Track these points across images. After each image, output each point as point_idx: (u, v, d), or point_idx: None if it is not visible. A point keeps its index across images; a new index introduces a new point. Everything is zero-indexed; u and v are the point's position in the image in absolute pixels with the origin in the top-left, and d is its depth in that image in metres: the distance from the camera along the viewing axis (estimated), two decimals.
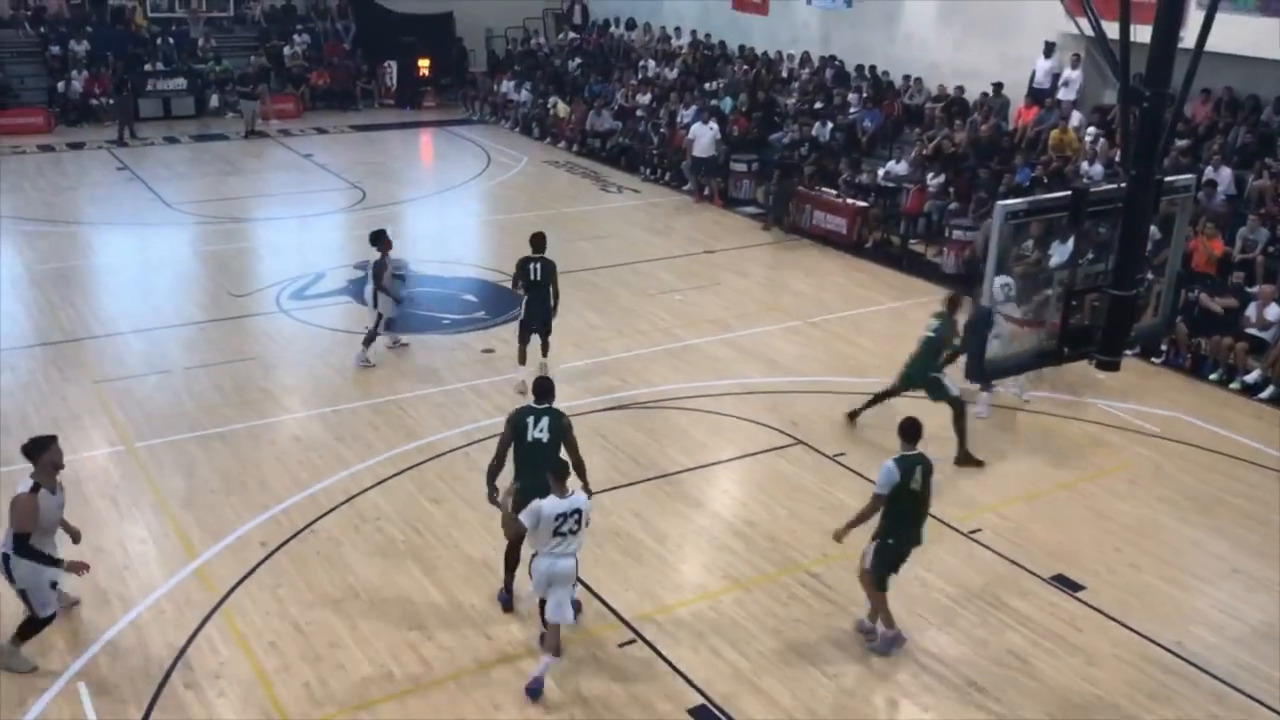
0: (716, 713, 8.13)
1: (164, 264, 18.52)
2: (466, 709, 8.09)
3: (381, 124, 30.90)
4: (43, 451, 8.14)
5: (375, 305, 13.96)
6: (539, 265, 12.96)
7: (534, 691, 8.16)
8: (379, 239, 13.92)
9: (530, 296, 13.07)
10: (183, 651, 8.62)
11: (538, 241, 13.05)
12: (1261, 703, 8.43)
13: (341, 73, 32.84)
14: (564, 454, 8.60)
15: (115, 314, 15.96)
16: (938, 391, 11.77)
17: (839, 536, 8.73)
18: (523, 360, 13.31)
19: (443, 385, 13.61)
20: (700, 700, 8.25)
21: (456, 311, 16.39)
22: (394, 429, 12.41)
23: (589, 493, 8.44)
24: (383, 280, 13.76)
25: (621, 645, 8.86)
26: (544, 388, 8.90)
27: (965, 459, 11.81)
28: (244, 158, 26.64)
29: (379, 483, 11.24)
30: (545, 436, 8.64)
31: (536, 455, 8.51)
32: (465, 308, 16.58)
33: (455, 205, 23.15)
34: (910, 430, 8.51)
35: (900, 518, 8.49)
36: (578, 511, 8.01)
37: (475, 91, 32.90)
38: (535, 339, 13.34)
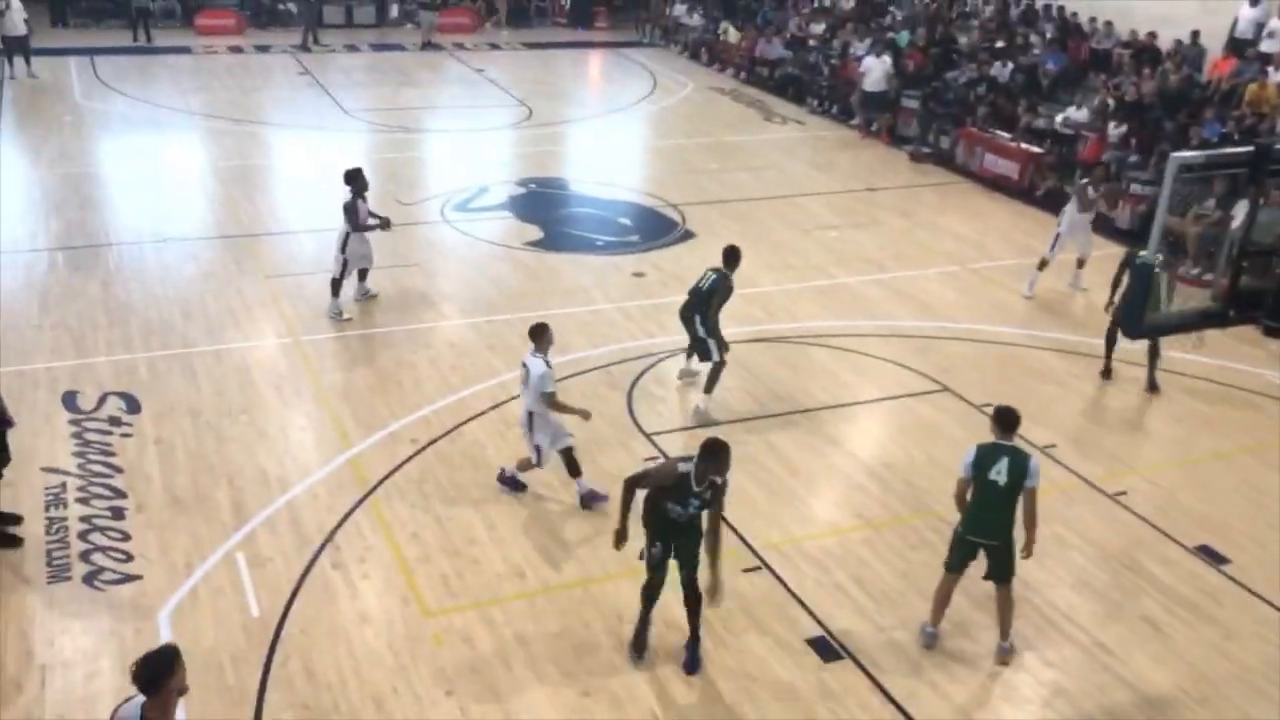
0: (835, 645, 8.22)
1: (338, 168, 19.09)
2: (590, 615, 8.38)
3: (553, 42, 31.16)
4: (168, 677, 5.14)
5: (343, 250, 13.00)
6: (711, 276, 11.23)
7: (512, 481, 9.81)
8: (356, 178, 12.94)
9: (685, 303, 11.38)
10: (332, 534, 9.17)
11: (726, 255, 11.30)
12: None
13: None
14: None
15: (290, 213, 16.75)
16: None
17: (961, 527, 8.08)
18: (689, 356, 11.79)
19: (592, 305, 13.86)
20: (820, 632, 8.35)
21: (611, 233, 16.59)
22: None
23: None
24: (360, 220, 12.88)
25: (746, 571, 9.01)
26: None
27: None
28: (419, 69, 27.29)
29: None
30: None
31: None
32: (620, 230, 16.76)
33: (618, 128, 23.28)
34: (1004, 419, 7.88)
35: (975, 507, 7.88)
36: (524, 369, 9.33)
37: (647, 14, 32.83)
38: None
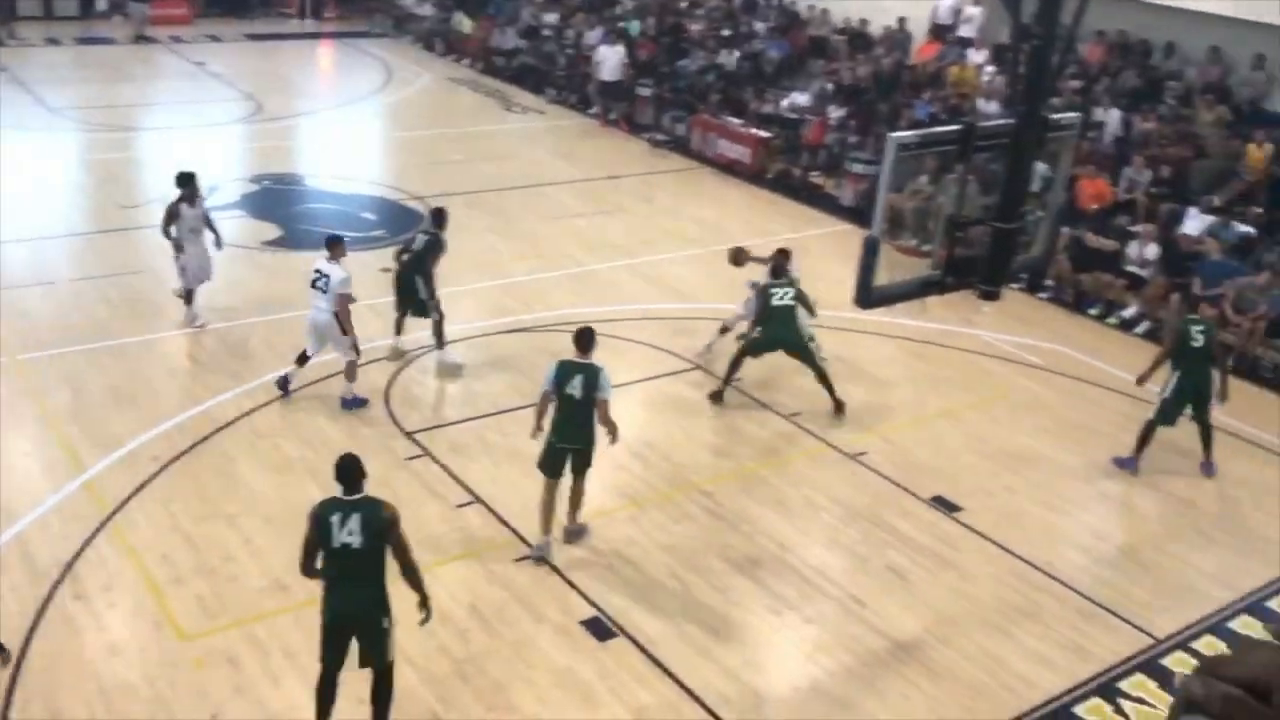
0: (609, 624, 8.38)
1: (47, 172, 17.82)
2: None
3: (279, 33, 29.96)
4: None
5: (221, 245, 12.91)
6: (422, 238, 11.96)
7: (348, 403, 10.95)
8: (183, 182, 12.34)
9: (402, 266, 11.93)
10: (71, 565, 8.53)
11: (434, 215, 12.15)
12: (1121, 617, 8.95)
13: None
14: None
15: None
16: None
17: (533, 434, 9.00)
18: (398, 330, 12.24)
19: None
20: (593, 613, 8.48)
21: (354, 229, 16.13)
22: (289, 345, 12.21)
23: (426, 611, 6.79)
24: (170, 228, 12.27)
25: (517, 560, 9.03)
26: (349, 469, 6.60)
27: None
28: (132, 63, 25.65)
29: (274, 399, 11.14)
30: (357, 541, 6.47)
31: (348, 565, 6.54)
32: (363, 225, 16.34)
33: (354, 120, 22.66)
34: (581, 339, 8.84)
35: (560, 419, 8.82)
36: (325, 277, 10.64)
37: (377, 3, 32.04)
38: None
